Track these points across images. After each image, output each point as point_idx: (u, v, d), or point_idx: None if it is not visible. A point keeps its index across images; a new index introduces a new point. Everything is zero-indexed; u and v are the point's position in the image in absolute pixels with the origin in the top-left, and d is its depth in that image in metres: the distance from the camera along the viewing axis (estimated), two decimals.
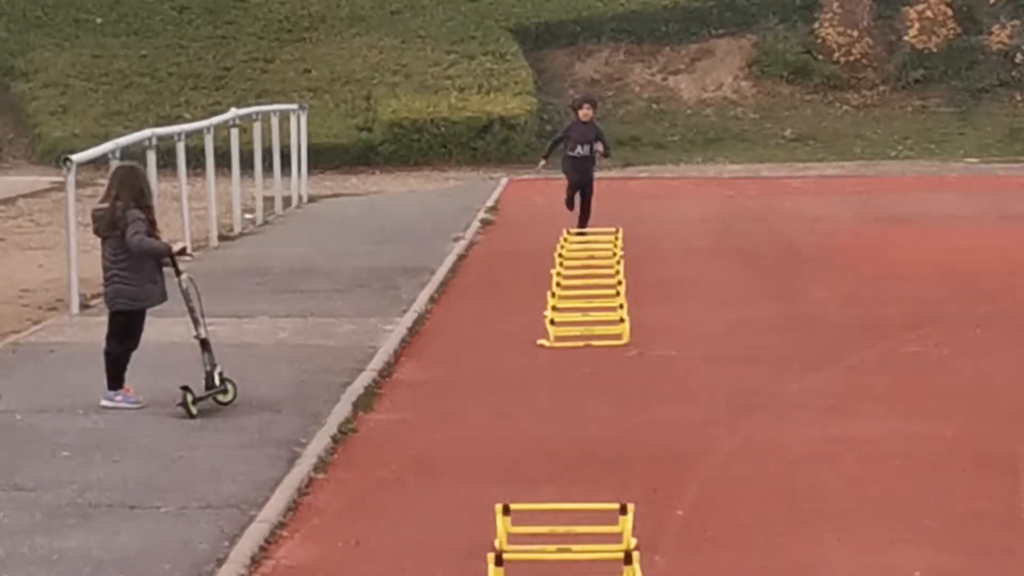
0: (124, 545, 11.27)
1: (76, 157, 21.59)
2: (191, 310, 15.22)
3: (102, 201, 15.53)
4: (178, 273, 15.28)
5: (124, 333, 15.31)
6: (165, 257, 15.26)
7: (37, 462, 13.38)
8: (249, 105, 31.61)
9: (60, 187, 23.90)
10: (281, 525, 11.78)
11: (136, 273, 15.20)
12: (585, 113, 22.48)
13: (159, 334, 15.54)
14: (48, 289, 21.53)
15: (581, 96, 24.73)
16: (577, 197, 23.03)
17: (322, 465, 13.34)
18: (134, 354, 15.37)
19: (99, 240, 15.56)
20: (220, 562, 10.78)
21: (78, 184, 20.89)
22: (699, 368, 17.27)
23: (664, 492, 12.49)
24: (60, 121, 39.13)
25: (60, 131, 37.39)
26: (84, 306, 19.39)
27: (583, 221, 23.02)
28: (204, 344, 15.05)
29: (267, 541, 11.40)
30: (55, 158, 27.71)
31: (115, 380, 15.21)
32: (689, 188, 33.81)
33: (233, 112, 29.33)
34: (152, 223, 15.28)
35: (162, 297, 15.29)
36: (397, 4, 44.31)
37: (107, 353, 15.29)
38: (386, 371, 16.82)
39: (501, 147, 38.25)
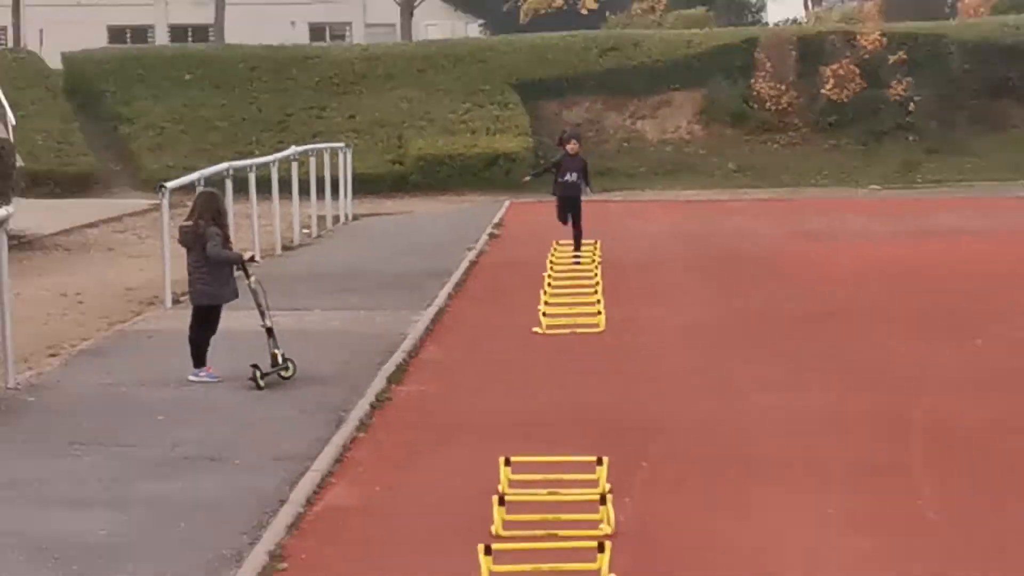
0: (207, 490, 11.36)
1: (169, 184, 21.69)
2: (258, 305, 15.31)
3: (187, 219, 15.71)
4: (248, 276, 15.43)
5: (203, 323, 15.49)
6: (236, 264, 15.33)
7: (139, 424, 13.48)
8: (306, 144, 31.52)
9: (156, 208, 23.88)
10: (330, 474, 11.91)
11: (213, 276, 15.34)
12: (572, 147, 21.98)
13: (234, 324, 15.52)
14: (147, 288, 21.53)
15: (569, 132, 23.82)
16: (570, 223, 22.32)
17: (363, 427, 13.46)
18: (214, 339, 15.44)
19: (185, 250, 15.63)
20: (282, 503, 10.93)
21: (170, 206, 20.93)
22: (661, 351, 17.35)
23: (632, 448, 12.56)
24: (156, 156, 39.12)
25: (156, 164, 37.36)
26: (175, 301, 19.38)
27: (577, 244, 22.40)
28: (269, 332, 15.14)
29: (319, 486, 11.55)
30: (153, 185, 27.59)
31: (198, 360, 15.34)
32: (653, 209, 33.78)
33: (293, 149, 29.37)
34: (226, 237, 15.43)
35: (234, 295, 15.40)
36: (422, 64, 44.29)
37: (190, 339, 15.43)
38: (413, 352, 16.88)
39: (505, 177, 38.19)
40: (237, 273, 15.57)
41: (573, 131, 24.11)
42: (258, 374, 14.84)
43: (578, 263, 21.49)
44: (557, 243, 23.24)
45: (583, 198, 23.17)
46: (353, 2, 71.17)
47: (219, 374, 15.17)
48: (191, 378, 15.22)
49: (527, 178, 24.04)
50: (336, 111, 41.69)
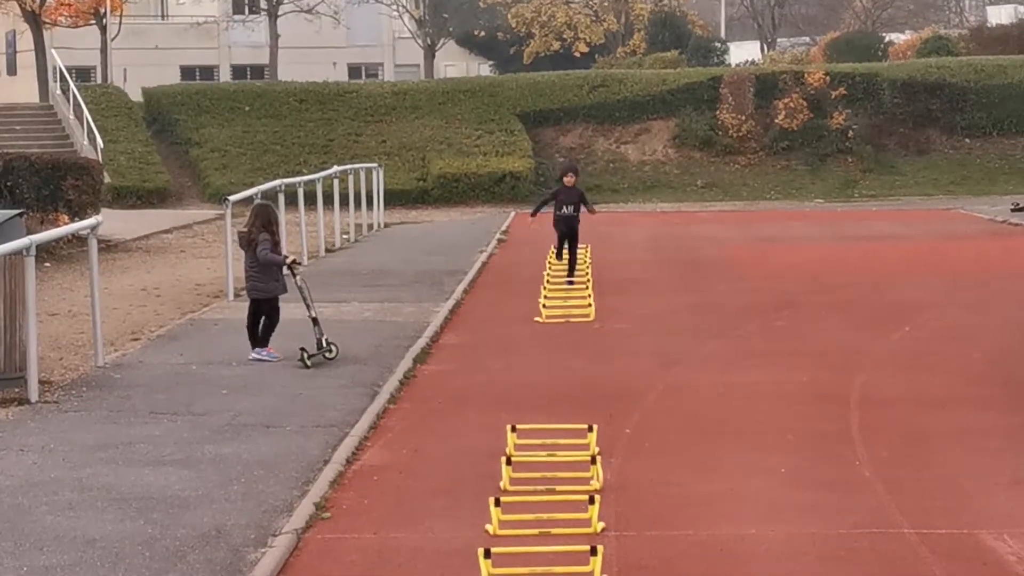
0: (263, 451, 11.39)
1: (231, 198, 21.71)
2: (304, 299, 15.32)
3: (245, 227, 15.68)
4: (294, 276, 15.43)
5: (256, 312, 15.51)
6: (282, 266, 15.34)
7: (206, 396, 13.49)
8: (345, 164, 31.53)
9: (220, 217, 23.90)
10: (366, 438, 11.95)
11: (264, 275, 15.39)
12: (569, 180, 20.38)
13: (286, 314, 15.51)
14: (213, 283, 21.55)
15: (566, 165, 22.41)
16: (566, 249, 20.67)
17: (393, 399, 13.47)
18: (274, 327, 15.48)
19: (243, 252, 15.71)
20: (326, 463, 10.97)
21: (232, 215, 20.92)
22: (640, 336, 17.30)
23: (617, 417, 12.59)
24: (220, 174, 39.10)
25: (220, 180, 37.33)
26: (236, 295, 19.38)
27: (571, 270, 20.77)
28: (315, 321, 15.15)
29: (357, 449, 11.60)
30: (217, 198, 27.62)
31: (256, 342, 15.45)
32: (634, 219, 33.76)
33: (335, 168, 29.34)
34: (276, 243, 15.48)
35: (283, 290, 15.43)
36: (442, 98, 44.28)
37: (248, 326, 15.46)
38: (435, 338, 16.86)
39: (510, 192, 38.26)
40: (286, 272, 15.61)
41: (569, 164, 22.87)
42: (305, 356, 14.86)
43: (571, 284, 20.29)
44: (551, 264, 21.84)
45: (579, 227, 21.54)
46: (384, 46, 71.16)
47: (278, 354, 15.20)
48: (253, 356, 15.27)
49: (532, 215, 21.87)
50: (370, 137, 41.67)
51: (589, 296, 19.38)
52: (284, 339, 15.35)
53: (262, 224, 15.57)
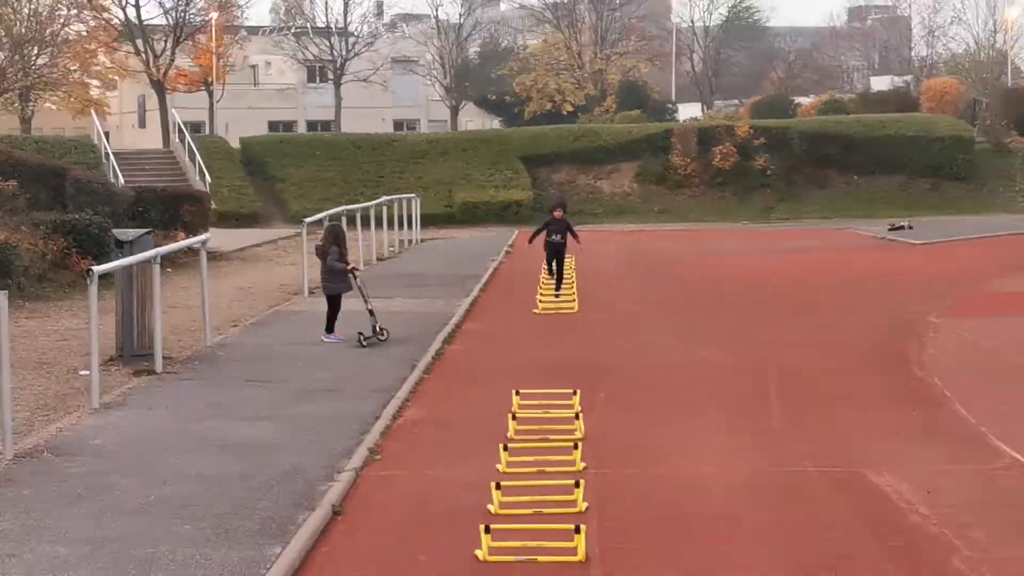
0: (330, 410, 11.40)
1: (307, 220, 21.75)
2: (363, 295, 15.30)
3: (320, 242, 15.74)
4: (355, 278, 15.42)
5: (331, 305, 15.41)
6: (345, 271, 15.34)
7: (287, 369, 13.48)
8: (392, 195, 31.52)
9: (298, 235, 23.90)
10: (407, 400, 11.98)
11: (333, 277, 15.45)
12: (558, 213, 19.28)
13: (348, 307, 15.51)
14: (292, 284, 21.56)
15: (556, 201, 21.05)
16: (555, 266, 19.50)
17: (427, 371, 13.49)
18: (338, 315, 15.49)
19: (318, 261, 15.75)
20: (377, 418, 10.99)
21: (307, 233, 20.96)
22: (612, 324, 17.30)
23: (595, 384, 12.56)
24: (298, 202, 39.06)
25: (298, 207, 37.19)
26: (310, 293, 19.40)
27: (558, 285, 19.41)
28: (371, 312, 15.13)
29: (400, 408, 11.60)
30: (296, 221, 27.63)
31: (330, 327, 15.28)
32: (607, 237, 33.64)
33: (384, 198, 29.37)
34: (342, 253, 15.51)
35: (348, 288, 15.43)
36: (464, 145, 44.41)
37: (328, 315, 15.43)
38: (458, 325, 16.84)
39: (515, 216, 38.23)
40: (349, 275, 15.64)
41: (559, 201, 21.55)
42: (362, 338, 14.86)
43: (558, 296, 19.22)
44: (543, 280, 20.61)
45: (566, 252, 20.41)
46: (420, 106, 71.18)
47: (342, 337, 15.17)
48: (324, 339, 15.24)
49: (530, 242, 20.32)
50: (410, 174, 41.64)
51: (574, 293, 19.41)
52: (346, 326, 15.35)
53: (332, 240, 15.65)
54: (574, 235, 19.54)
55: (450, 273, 23.32)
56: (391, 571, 7.25)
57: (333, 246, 15.54)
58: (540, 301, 18.64)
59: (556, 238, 19.04)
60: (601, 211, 40.46)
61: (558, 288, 19.27)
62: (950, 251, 27.53)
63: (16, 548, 7.46)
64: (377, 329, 15.11)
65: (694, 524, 8.09)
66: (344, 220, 22.81)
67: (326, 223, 17.72)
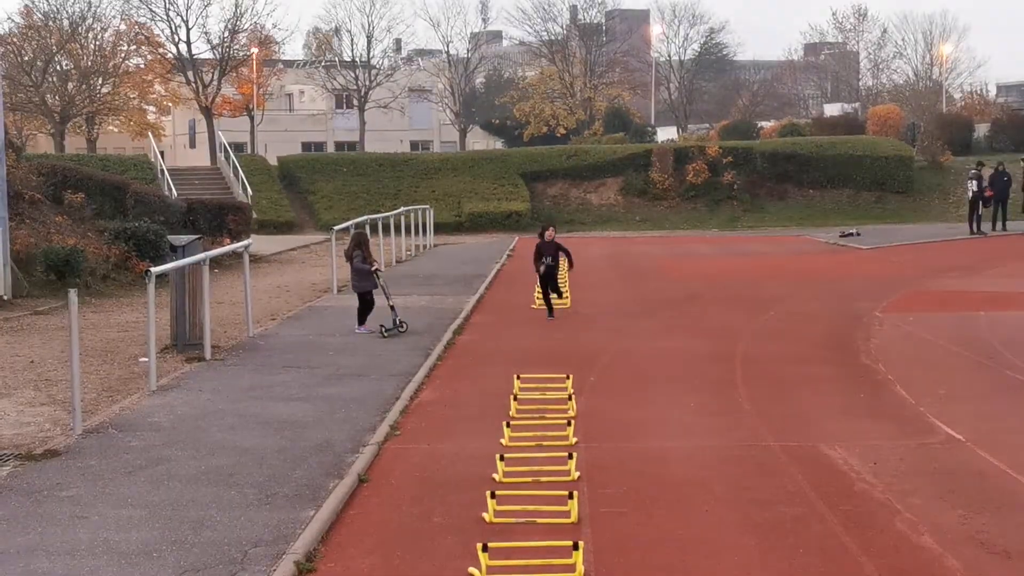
0: (356, 392, 11.39)
1: (335, 227, 21.75)
2: (385, 292, 15.32)
3: (347, 247, 15.73)
4: (378, 278, 15.42)
5: (362, 302, 15.41)
6: (369, 270, 15.36)
7: (319, 356, 13.46)
8: (409, 206, 31.52)
9: (327, 240, 23.91)
10: (422, 383, 11.98)
11: (359, 277, 15.51)
12: (549, 234, 16.88)
13: (376, 303, 15.51)
14: (323, 283, 21.57)
15: (545, 223, 18.83)
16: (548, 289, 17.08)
17: (440, 358, 13.48)
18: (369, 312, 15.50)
19: (346, 263, 15.78)
20: (396, 399, 11.01)
21: (336, 239, 20.94)
22: (600, 317, 17.28)
23: (585, 369, 12.58)
24: (327, 212, 39.00)
25: (328, 216, 37.21)
26: (338, 291, 19.40)
27: (550, 311, 17.07)
28: (392, 307, 15.14)
29: (416, 390, 11.60)
30: (326, 228, 27.65)
31: (362, 321, 15.27)
32: (595, 242, 33.64)
33: (402, 208, 29.37)
34: (366, 256, 15.48)
35: (373, 287, 15.40)
36: (471, 163, 44.35)
37: (359, 310, 15.45)
38: (467, 318, 16.84)
39: (515, 224, 38.19)
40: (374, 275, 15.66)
41: (549, 222, 19.56)
42: (383, 330, 14.84)
43: (551, 319, 16.83)
44: (538, 291, 18.08)
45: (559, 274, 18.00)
46: (433, 129, 71.16)
47: (370, 329, 15.16)
48: (355, 331, 15.22)
49: (536, 270, 17.15)
50: (424, 188, 41.55)
51: (567, 291, 19.38)
52: (374, 319, 15.33)
53: (357, 245, 15.64)
54: (568, 257, 16.94)
55: (459, 273, 23.31)
56: (410, 531, 7.26)
57: (357, 250, 15.54)
58: (537, 298, 18.57)
59: (547, 260, 16.69)
60: (590, 220, 40.44)
61: (551, 314, 16.87)
62: (892, 255, 27.51)
63: (85, 511, 7.49)
64: (397, 322, 15.10)
65: (670, 491, 8.10)
66: (368, 228, 22.88)
67: (352, 230, 17.75)
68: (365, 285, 15.48)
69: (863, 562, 6.66)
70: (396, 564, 6.66)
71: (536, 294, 18.17)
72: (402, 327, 15.10)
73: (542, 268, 16.72)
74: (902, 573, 6.48)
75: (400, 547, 6.94)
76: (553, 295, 17.18)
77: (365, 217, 24.97)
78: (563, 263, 17.20)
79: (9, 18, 54.79)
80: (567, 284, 20.35)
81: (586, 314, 17.60)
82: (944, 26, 74.47)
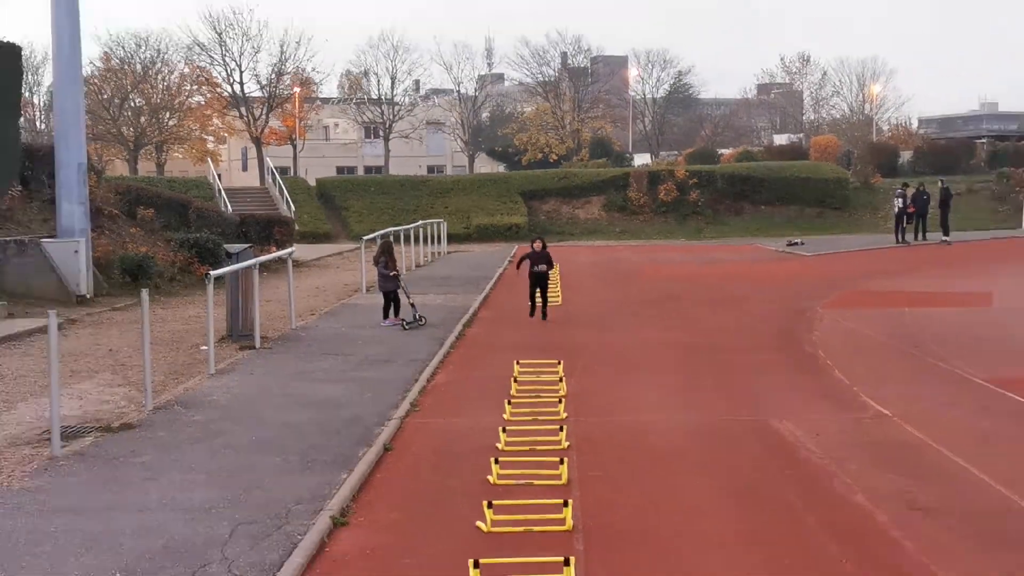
0: (382, 375, 11.36)
1: (364, 237, 21.66)
2: (406, 292, 15.30)
3: (375, 253, 15.74)
4: (399, 279, 15.41)
5: (386, 300, 15.40)
6: (391, 274, 15.40)
7: (351, 345, 13.39)
8: (426, 219, 31.44)
9: (358, 248, 23.85)
10: (437, 368, 11.91)
11: (385, 279, 15.45)
12: (538, 245, 15.96)
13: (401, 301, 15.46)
14: (353, 284, 21.45)
15: (536, 236, 18.08)
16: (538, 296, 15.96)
17: (452, 347, 13.44)
18: (387, 306, 15.45)
19: (374, 267, 15.77)
20: (415, 381, 10.97)
21: (365, 247, 20.87)
22: (587, 313, 17.19)
23: (574, 356, 12.52)
24: (359, 225, 38.72)
25: (358, 228, 37.00)
26: (367, 290, 19.34)
27: (544, 314, 16.05)
28: (412, 304, 15.11)
29: (432, 374, 11.53)
30: (356, 238, 27.56)
31: (385, 315, 15.24)
32: (582, 251, 33.50)
33: (420, 222, 29.25)
34: (390, 261, 15.47)
35: (396, 287, 15.39)
36: (478, 184, 44.12)
37: (383, 307, 15.43)
38: (475, 314, 16.76)
39: (515, 235, 37.96)
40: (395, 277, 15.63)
41: (538, 236, 18.31)
42: (404, 323, 14.80)
43: (532, 318, 15.92)
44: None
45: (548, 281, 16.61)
46: (446, 155, 70.91)
47: (393, 323, 15.13)
48: (381, 324, 15.16)
49: (517, 267, 17.42)
50: (440, 205, 41.35)
51: (559, 291, 19.34)
52: (394, 314, 15.34)
53: (383, 252, 15.63)
54: (550, 265, 16.10)
55: (468, 276, 23.26)
56: (427, 491, 7.25)
57: (383, 257, 15.54)
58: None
59: (539, 268, 15.80)
60: (577, 232, 40.31)
61: (544, 316, 15.93)
62: (831, 261, 27.49)
63: (155, 475, 7.49)
64: (417, 316, 15.08)
65: (647, 457, 8.09)
66: (392, 238, 22.86)
67: (379, 240, 17.76)
68: (388, 286, 15.44)
69: (807, 517, 6.66)
70: (416, 519, 6.66)
71: (503, 443, 16.05)
72: (421, 321, 15.02)
73: (521, 268, 16.55)
74: (838, 525, 6.49)
75: (419, 505, 6.94)
76: (540, 299, 16.01)
77: (390, 229, 24.90)
78: (552, 272, 16.78)
79: (91, 63, 54.59)
80: (559, 284, 20.35)
81: (575, 310, 17.56)
82: (874, 69, 74.58)
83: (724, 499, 7.03)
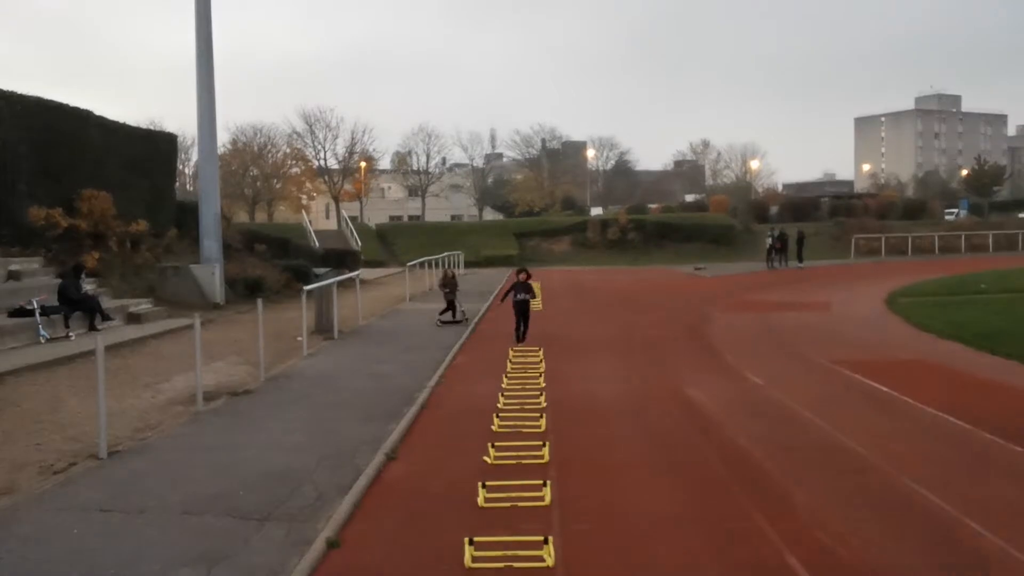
0: (420, 357, 11.23)
1: (408, 263, 21.52)
2: (456, 300, 15.18)
3: (440, 279, 15.58)
4: (454, 296, 15.12)
5: (448, 306, 14.96)
6: (446, 288, 15.07)
7: (399, 337, 13.23)
8: (451, 251, 31.21)
9: (403, 271, 23.72)
10: (457, 352, 11.74)
11: (450, 291, 15.02)
12: (522, 276, 12.90)
13: (431, 306, 15.30)
14: (401, 296, 21.27)
15: (519, 267, 14.01)
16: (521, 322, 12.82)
17: (468, 338, 13.23)
18: (438, 309, 15.31)
19: (431, 282, 15.53)
20: (442, 362, 10.78)
21: (409, 270, 20.72)
22: (557, 315, 16.97)
23: (549, 345, 12.40)
24: (405, 255, 38.06)
25: (405, 258, 36.39)
26: (410, 299, 19.17)
27: (523, 337, 12.73)
28: (462, 311, 14.97)
29: (454, 356, 11.35)
30: (403, 263, 27.43)
31: (442, 316, 14.75)
32: (554, 273, 33.30)
33: (445, 253, 29.03)
34: (446, 280, 15.21)
35: (453, 296, 15.04)
36: (485, 228, 44.19)
37: (444, 310, 14.86)
38: (482, 316, 16.48)
39: (509, 261, 37.61)
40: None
41: (522, 267, 14.03)
42: (439, 321, 14.52)
43: (522, 341, 12.54)
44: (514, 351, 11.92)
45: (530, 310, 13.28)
46: (464, 208, 70.40)
47: (449, 322, 14.50)
48: (438, 318, 14.48)
49: (501, 300, 14.17)
50: (459, 242, 40.87)
51: (539, 299, 19.17)
52: (427, 316, 15.25)
53: (445, 277, 15.37)
54: (532, 295, 12.97)
55: (477, 290, 23.06)
56: (451, 436, 7.25)
57: (446, 278, 15.34)
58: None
59: (520, 296, 12.63)
60: (552, 260, 40.19)
61: (523, 341, 12.49)
62: (723, 280, 27.47)
63: (265, 424, 7.48)
64: (463, 314, 14.75)
65: (598, 413, 8.08)
66: (432, 264, 22.68)
67: (443, 268, 17.14)
68: (449, 296, 15.04)
69: (708, 452, 6.69)
70: (442, 454, 6.67)
71: (502, 403, 9.81)
72: (465, 317, 14.61)
73: (504, 299, 13.11)
74: (728, 456, 6.51)
75: (446, 445, 6.95)
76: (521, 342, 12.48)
77: (426, 258, 24.73)
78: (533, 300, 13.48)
79: (223, 145, 54.90)
80: (540, 297, 20.22)
81: (551, 313, 17.49)
82: (753, 150, 75.22)
83: (648, 439, 7.06)
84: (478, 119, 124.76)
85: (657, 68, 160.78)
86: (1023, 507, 5.17)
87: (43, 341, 11.54)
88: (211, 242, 18.01)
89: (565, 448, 6.75)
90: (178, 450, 6.64)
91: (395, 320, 15.91)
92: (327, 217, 64.09)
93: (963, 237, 40.76)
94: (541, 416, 7.49)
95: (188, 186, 59.03)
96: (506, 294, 12.83)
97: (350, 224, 42.32)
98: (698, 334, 13.86)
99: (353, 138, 56.49)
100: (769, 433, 7.22)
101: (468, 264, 35.62)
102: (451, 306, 14.78)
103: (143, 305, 15.15)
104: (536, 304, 17.57)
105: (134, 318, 14.32)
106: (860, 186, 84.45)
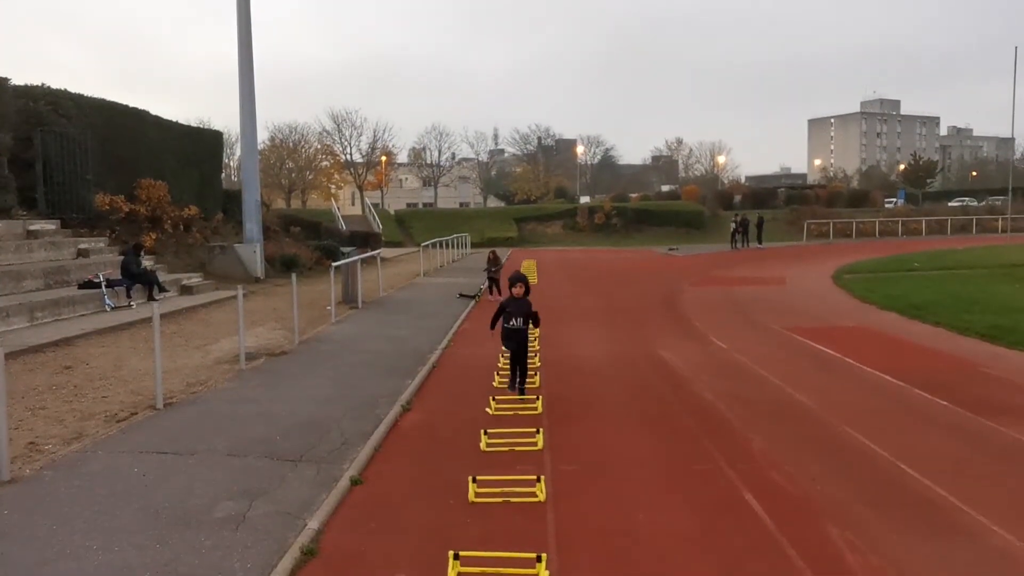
0: (432, 324, 11.12)
1: (423, 244, 21.34)
2: (495, 278, 13.78)
3: (489, 259, 14.22)
4: (495, 273, 14.13)
5: (490, 281, 14.03)
6: (491, 268, 14.17)
7: (414, 306, 12.94)
8: (459, 234, 30.39)
9: (418, 250, 23.47)
10: (464, 320, 11.62)
11: (492, 271, 14.31)
12: (517, 291, 6.48)
13: (441, 281, 15.14)
14: (416, 271, 21.07)
15: (514, 277, 6.54)
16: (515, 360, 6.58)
17: (473, 308, 13.08)
18: (458, 288, 15.03)
19: (428, 257, 15.19)
20: (451, 328, 10.67)
21: (423, 249, 20.50)
22: (549, 289, 16.79)
23: (546, 313, 12.29)
24: (420, 236, 37.70)
25: (420, 239, 36.05)
26: (424, 275, 19.00)
27: (522, 387, 6.50)
28: (489, 289, 13.57)
29: (461, 323, 11.23)
30: (418, 244, 27.22)
31: (491, 291, 13.78)
32: (548, 253, 33.15)
33: (455, 235, 28.34)
34: (491, 261, 13.98)
35: (496, 274, 13.96)
36: (489, 214, 43.76)
37: (487, 286, 13.79)
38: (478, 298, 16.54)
39: (510, 242, 37.69)
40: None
41: (518, 276, 6.56)
42: (460, 294, 14.31)
43: (522, 395, 6.51)
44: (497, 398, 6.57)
45: (529, 343, 7.23)
46: (471, 197, 69.96)
47: (496, 298, 13.30)
48: (488, 297, 13.70)
49: (491, 328, 6.74)
50: (465, 226, 40.50)
51: (535, 276, 19.02)
52: (446, 290, 15.06)
53: (492, 256, 14.47)
54: (535, 323, 6.72)
55: (481, 267, 22.79)
56: (458, 391, 7.22)
57: (492, 256, 14.49)
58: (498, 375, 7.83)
59: (516, 323, 6.55)
60: (546, 241, 39.94)
61: (514, 386, 6.64)
62: (694, 260, 27.34)
63: (299, 380, 7.46)
64: (480, 290, 14.22)
65: (584, 372, 8.05)
66: (445, 244, 22.43)
67: (488, 252, 16.11)
68: (493, 274, 14.21)
69: (675, 405, 6.67)
70: (450, 406, 6.64)
71: (501, 363, 7.89)
72: (479, 293, 13.88)
73: (494, 327, 6.75)
74: (694, 408, 6.50)
75: (454, 398, 6.92)
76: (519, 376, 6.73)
77: (438, 239, 24.42)
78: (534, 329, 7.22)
79: (263, 142, 54.46)
80: (535, 273, 20.04)
81: (545, 287, 17.37)
82: (720, 147, 74.75)
83: (626, 394, 7.04)
84: (483, 119, 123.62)
85: (638, 76, 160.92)
86: (946, 450, 5.26)
87: (108, 309, 11.53)
88: (252, 225, 17.89)
89: (555, 401, 6.74)
90: (224, 402, 6.63)
91: (411, 292, 15.76)
92: (353, 204, 63.60)
93: (900, 223, 40.87)
94: (535, 374, 7.46)
95: (233, 176, 58.52)
96: (497, 317, 6.67)
97: (372, 210, 41.98)
98: (671, 305, 13.77)
99: (375, 136, 56.37)
100: (731, 389, 7.21)
101: (473, 245, 35.09)
102: (494, 283, 13.77)
103: (194, 279, 15.07)
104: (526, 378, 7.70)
105: (186, 290, 14.27)
106: (812, 178, 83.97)
